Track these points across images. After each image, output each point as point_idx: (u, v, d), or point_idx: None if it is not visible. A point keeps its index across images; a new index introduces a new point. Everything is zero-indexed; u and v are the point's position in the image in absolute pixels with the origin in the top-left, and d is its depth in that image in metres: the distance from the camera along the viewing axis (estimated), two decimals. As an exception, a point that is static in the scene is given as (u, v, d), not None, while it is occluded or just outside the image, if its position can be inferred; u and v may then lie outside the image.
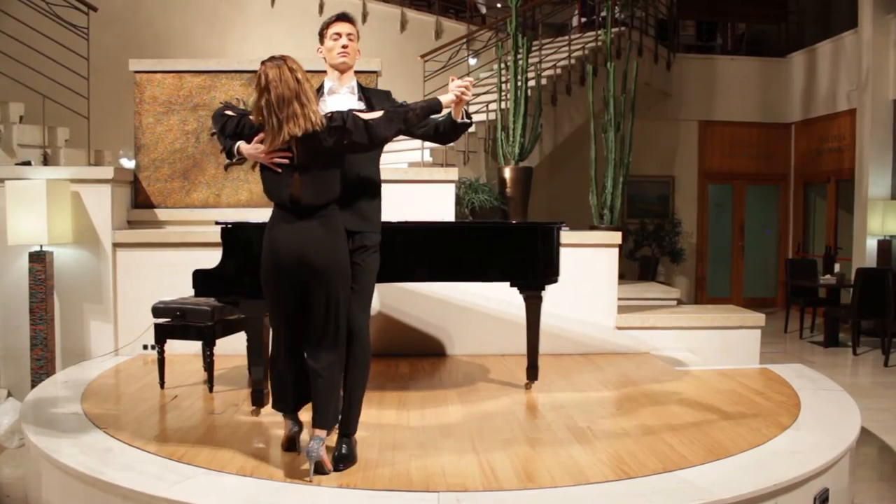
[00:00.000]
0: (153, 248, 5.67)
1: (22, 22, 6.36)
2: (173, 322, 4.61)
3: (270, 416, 4.06)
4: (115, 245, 5.65)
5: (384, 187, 5.84)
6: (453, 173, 6.02)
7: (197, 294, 4.18)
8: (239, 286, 4.09)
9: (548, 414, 4.16)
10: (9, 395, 5.41)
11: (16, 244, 5.34)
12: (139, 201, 6.05)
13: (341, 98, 3.52)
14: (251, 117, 3.24)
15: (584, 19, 11.39)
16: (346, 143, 3.15)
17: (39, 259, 5.33)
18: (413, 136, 3.62)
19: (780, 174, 12.00)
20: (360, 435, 3.73)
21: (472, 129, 7.95)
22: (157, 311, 4.66)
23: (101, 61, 6.74)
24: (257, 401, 4.12)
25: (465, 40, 8.80)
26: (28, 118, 6.38)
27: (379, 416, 4.11)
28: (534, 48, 8.56)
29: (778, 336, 9.26)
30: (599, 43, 9.26)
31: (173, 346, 4.74)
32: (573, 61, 9.15)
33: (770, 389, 4.69)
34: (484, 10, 11.78)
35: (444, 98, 3.34)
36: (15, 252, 5.50)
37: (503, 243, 4.49)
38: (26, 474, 4.00)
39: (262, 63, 3.18)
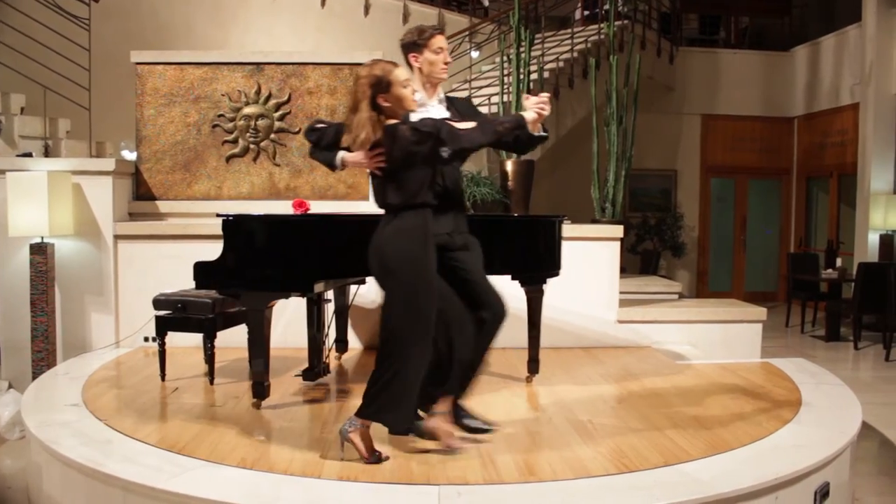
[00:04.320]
0: (154, 241, 5.66)
1: (23, 13, 6.36)
2: (174, 314, 4.62)
3: (271, 409, 4.07)
4: (117, 237, 5.65)
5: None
6: (455, 166, 6.00)
7: (198, 286, 4.18)
8: (240, 278, 4.08)
9: (549, 407, 4.16)
10: (10, 386, 5.41)
11: (17, 236, 5.34)
12: (140, 193, 6.04)
13: (432, 111, 3.51)
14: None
15: (586, 12, 11.34)
16: (437, 151, 3.13)
17: (40, 251, 5.33)
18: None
19: (782, 168, 11.98)
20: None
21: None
22: (158, 303, 4.66)
23: (102, 52, 6.73)
24: (258, 393, 4.12)
25: (467, 33, 8.78)
26: (29, 109, 6.38)
27: (380, 408, 4.11)
28: (536, 41, 8.53)
29: (779, 330, 9.25)
30: (602, 36, 9.23)
31: (174, 339, 4.74)
32: (576, 54, 9.12)
33: (771, 383, 4.68)
34: (486, 3, 11.74)
35: (528, 115, 3.31)
36: (16, 244, 5.50)
37: (505, 237, 4.47)
38: (27, 466, 4.01)
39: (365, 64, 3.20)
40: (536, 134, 3.40)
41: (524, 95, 3.44)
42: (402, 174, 3.15)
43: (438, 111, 3.52)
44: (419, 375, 3.22)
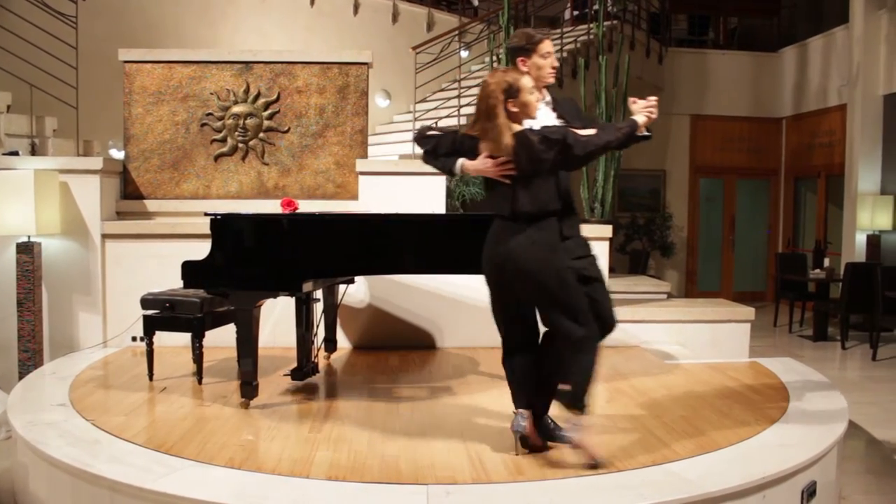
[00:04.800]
0: (142, 240, 5.64)
1: (9, 10, 6.31)
2: (162, 314, 4.60)
3: (260, 409, 4.06)
4: (104, 236, 5.62)
5: (376, 179, 5.91)
6: (444, 166, 5.99)
7: (186, 285, 4.16)
8: (228, 277, 4.07)
9: (537, 407, 4.16)
10: (-4, 386, 5.38)
11: (3, 235, 5.31)
12: (128, 192, 6.02)
13: (540, 114, 3.50)
14: (470, 132, 3.30)
15: (576, 12, 11.36)
16: (564, 156, 3.19)
17: (27, 250, 5.30)
18: None
19: (770, 169, 12.03)
20: (348, 428, 3.74)
21: (463, 122, 7.92)
22: (146, 302, 4.64)
23: (90, 50, 6.69)
24: (247, 393, 4.11)
25: (456, 32, 8.76)
26: (16, 107, 6.33)
27: (369, 408, 4.11)
28: (526, 41, 8.52)
29: (767, 330, 9.29)
30: (591, 36, 9.24)
31: (162, 338, 4.72)
32: (565, 54, 9.13)
33: (759, 383, 4.70)
34: (476, 3, 11.74)
35: (640, 119, 3.37)
36: (2, 243, 5.46)
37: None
38: (13, 466, 3.98)
39: (492, 72, 3.27)
40: (640, 134, 3.46)
41: (630, 99, 3.47)
42: (532, 182, 3.20)
43: (546, 113, 3.55)
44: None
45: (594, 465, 3.20)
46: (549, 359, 3.44)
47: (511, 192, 3.21)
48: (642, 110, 3.37)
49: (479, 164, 3.26)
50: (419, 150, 3.55)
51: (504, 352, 3.44)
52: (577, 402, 3.25)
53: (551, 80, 3.57)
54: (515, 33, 3.70)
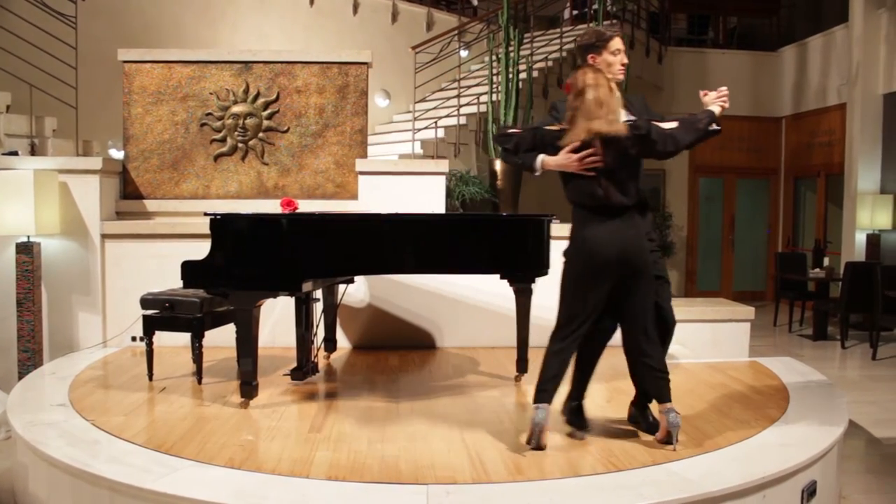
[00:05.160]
0: (142, 240, 5.64)
1: (9, 10, 6.31)
2: (162, 314, 4.59)
3: (259, 409, 4.06)
4: (104, 236, 5.62)
5: (376, 179, 5.91)
6: (444, 165, 6.00)
7: (186, 285, 4.16)
8: (228, 277, 4.07)
9: (537, 406, 4.15)
10: (-4, 386, 5.38)
11: (3, 235, 5.30)
12: (128, 192, 6.01)
13: None
14: (550, 127, 3.39)
15: (575, 12, 11.37)
16: (648, 152, 3.29)
17: (27, 250, 5.29)
18: None
19: (770, 168, 12.03)
20: (348, 428, 3.74)
21: (463, 122, 7.93)
22: (146, 302, 4.64)
23: (89, 51, 6.69)
24: (246, 393, 4.11)
25: (456, 32, 8.76)
26: (15, 108, 6.33)
27: (368, 408, 4.11)
28: (525, 40, 8.54)
29: (767, 329, 9.29)
30: (591, 36, 9.23)
31: (162, 338, 4.72)
32: (564, 54, 9.13)
33: (759, 382, 4.70)
34: (475, 2, 11.74)
35: (716, 110, 3.41)
36: (2, 243, 5.46)
37: (494, 236, 4.47)
38: (13, 467, 3.98)
39: (580, 68, 3.40)
40: (712, 129, 3.48)
41: (701, 91, 3.50)
42: (615, 175, 3.27)
43: None
44: None
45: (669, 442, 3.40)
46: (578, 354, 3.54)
47: (596, 184, 3.26)
48: (716, 101, 3.41)
49: (562, 160, 3.31)
50: (500, 149, 3.61)
51: (562, 346, 3.45)
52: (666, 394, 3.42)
53: (621, 77, 3.62)
54: (586, 31, 3.75)
